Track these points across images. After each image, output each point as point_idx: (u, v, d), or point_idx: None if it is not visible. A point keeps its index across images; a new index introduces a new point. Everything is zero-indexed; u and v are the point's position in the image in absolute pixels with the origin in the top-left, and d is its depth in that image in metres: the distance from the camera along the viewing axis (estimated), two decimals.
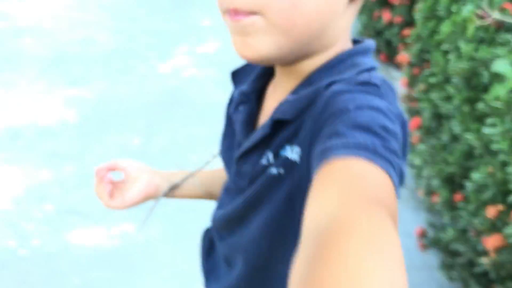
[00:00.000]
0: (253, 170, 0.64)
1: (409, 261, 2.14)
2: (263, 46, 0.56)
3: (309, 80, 0.60)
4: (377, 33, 3.55)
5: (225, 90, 0.94)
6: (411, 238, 2.18)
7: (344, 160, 0.45)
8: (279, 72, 0.66)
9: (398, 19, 3.03)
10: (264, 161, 0.62)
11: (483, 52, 1.76)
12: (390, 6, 3.24)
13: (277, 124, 0.60)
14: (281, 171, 0.60)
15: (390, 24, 3.20)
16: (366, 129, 0.48)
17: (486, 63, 1.77)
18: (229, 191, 0.73)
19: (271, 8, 0.53)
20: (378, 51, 3.73)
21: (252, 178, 0.64)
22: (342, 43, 0.61)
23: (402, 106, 2.61)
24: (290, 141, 0.60)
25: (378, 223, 0.39)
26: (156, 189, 0.86)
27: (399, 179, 0.50)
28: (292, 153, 0.59)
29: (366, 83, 0.54)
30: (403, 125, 0.56)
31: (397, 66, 3.02)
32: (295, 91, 0.61)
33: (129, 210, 2.42)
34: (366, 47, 0.62)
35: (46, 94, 3.25)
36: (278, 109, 0.61)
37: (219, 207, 0.79)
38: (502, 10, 1.89)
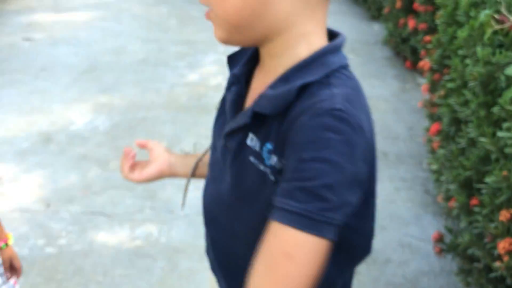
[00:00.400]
0: (238, 147, 0.72)
1: (428, 267, 2.13)
2: (218, 32, 0.69)
3: (286, 77, 0.67)
4: (403, 40, 3.55)
5: None
6: (430, 243, 2.17)
7: (283, 229, 0.59)
8: (260, 55, 0.74)
9: (422, 26, 3.03)
10: (249, 142, 0.70)
11: (500, 56, 1.75)
12: (415, 13, 3.24)
13: (257, 115, 0.68)
14: (273, 178, 0.68)
15: (415, 31, 3.20)
16: (309, 192, 0.59)
17: (503, 67, 1.76)
18: (217, 163, 0.79)
19: (212, 3, 0.67)
20: (404, 57, 3.72)
21: (236, 154, 0.72)
22: (302, 27, 0.66)
23: (424, 111, 2.60)
24: (273, 140, 0.67)
25: None
26: (169, 167, 0.97)
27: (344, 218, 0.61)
28: (281, 163, 0.66)
29: (329, 112, 0.60)
30: (369, 150, 0.64)
31: (422, 72, 3.01)
32: (273, 85, 0.68)
33: (153, 212, 2.46)
34: (336, 45, 0.68)
35: (79, 101, 3.38)
36: (258, 102, 0.68)
37: (207, 180, 0.85)
38: None
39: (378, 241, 2.25)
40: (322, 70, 0.65)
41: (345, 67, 0.68)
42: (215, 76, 3.76)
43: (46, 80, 3.67)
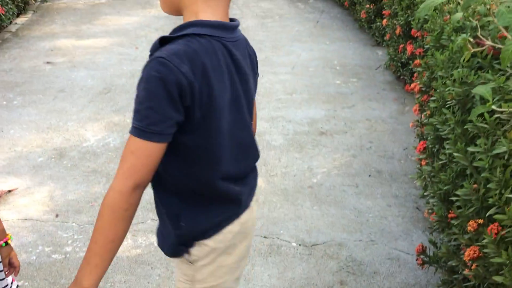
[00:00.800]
0: None
1: (414, 279, 2.21)
2: (160, 5, 1.10)
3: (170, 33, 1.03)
4: (403, 65, 3.67)
5: None
6: None
7: (131, 137, 0.97)
8: None
9: (419, 51, 3.15)
10: None
11: (475, 77, 1.87)
12: (413, 39, 3.37)
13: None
14: None
15: (413, 56, 3.32)
16: (140, 112, 0.95)
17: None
18: None
19: None
20: (404, 81, 3.84)
21: None
22: (195, 8, 1.02)
23: (414, 130, 2.69)
24: None
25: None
26: None
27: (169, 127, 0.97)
28: None
29: (156, 58, 0.94)
30: (173, 82, 0.94)
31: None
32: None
33: (155, 223, 2.59)
34: (203, 22, 1.01)
35: (93, 120, 3.57)
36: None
37: None
38: (500, 39, 1.99)
39: (367, 254, 2.34)
40: (179, 33, 0.99)
41: (199, 35, 0.99)
42: None
43: (64, 100, 3.88)
